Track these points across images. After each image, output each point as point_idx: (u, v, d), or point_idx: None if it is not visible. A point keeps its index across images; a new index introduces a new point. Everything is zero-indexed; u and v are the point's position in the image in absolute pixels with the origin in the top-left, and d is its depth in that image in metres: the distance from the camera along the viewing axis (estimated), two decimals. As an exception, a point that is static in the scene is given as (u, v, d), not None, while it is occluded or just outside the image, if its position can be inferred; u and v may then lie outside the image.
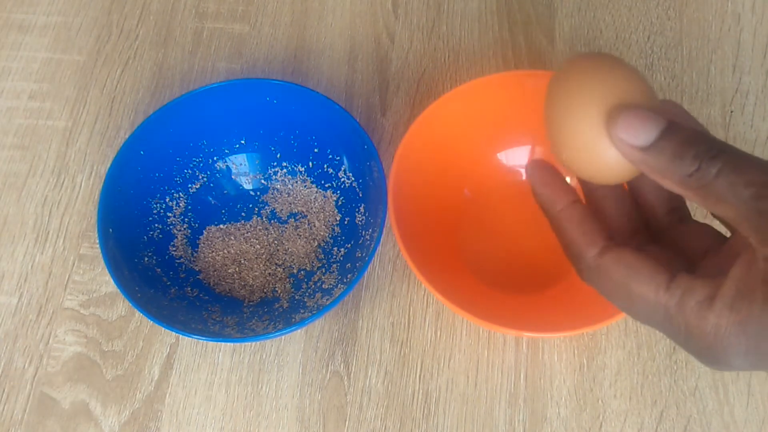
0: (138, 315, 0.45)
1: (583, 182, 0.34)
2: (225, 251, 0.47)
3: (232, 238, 0.47)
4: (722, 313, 0.26)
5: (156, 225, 0.46)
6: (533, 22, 0.53)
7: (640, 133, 0.28)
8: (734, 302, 0.26)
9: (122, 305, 0.46)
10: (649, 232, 0.33)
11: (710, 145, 0.27)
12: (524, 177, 0.48)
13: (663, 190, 0.32)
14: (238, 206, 0.48)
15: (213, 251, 0.47)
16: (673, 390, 0.42)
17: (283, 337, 0.45)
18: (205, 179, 0.48)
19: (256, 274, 0.46)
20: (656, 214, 0.32)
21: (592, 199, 0.33)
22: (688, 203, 0.33)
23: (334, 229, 0.47)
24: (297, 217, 0.48)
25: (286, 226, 0.48)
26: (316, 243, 0.47)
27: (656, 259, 0.29)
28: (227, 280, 0.46)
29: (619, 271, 0.29)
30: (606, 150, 0.30)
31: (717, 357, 0.27)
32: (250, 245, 0.47)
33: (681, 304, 0.27)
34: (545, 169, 0.32)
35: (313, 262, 0.46)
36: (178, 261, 0.46)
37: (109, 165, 0.44)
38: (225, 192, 0.49)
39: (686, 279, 0.27)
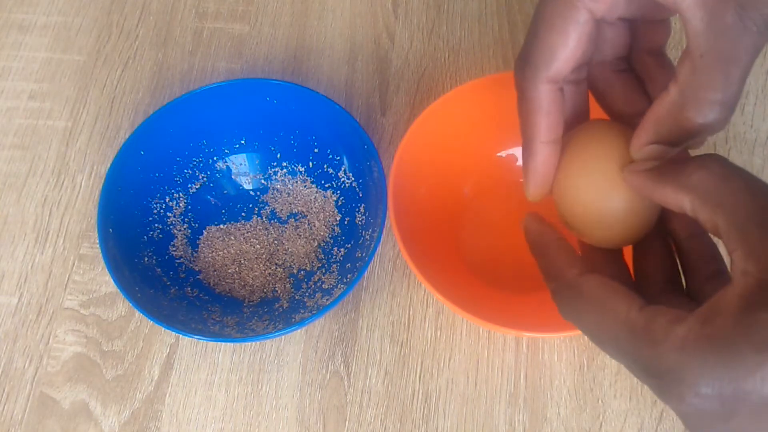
0: (138, 315, 0.45)
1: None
2: (225, 251, 0.47)
3: (232, 238, 0.47)
4: (692, 327, 0.25)
5: (156, 225, 0.46)
6: (533, 22, 0.53)
7: (650, 162, 0.30)
8: (707, 318, 0.25)
9: (122, 305, 0.46)
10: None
11: (717, 155, 0.27)
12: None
13: (666, 260, 0.33)
14: (238, 206, 0.48)
15: (213, 251, 0.47)
16: (673, 390, 0.42)
17: (283, 337, 0.45)
18: (205, 179, 0.48)
19: (256, 274, 0.46)
20: (654, 282, 0.33)
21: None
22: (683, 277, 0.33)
23: (334, 229, 0.47)
24: (297, 217, 0.48)
25: (286, 226, 0.48)
26: (316, 243, 0.47)
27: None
28: (227, 280, 0.46)
29: (597, 290, 0.29)
30: (613, 207, 0.32)
31: (678, 376, 0.25)
32: (250, 245, 0.47)
33: (650, 322, 0.26)
34: (537, 215, 0.34)
35: (313, 262, 0.46)
36: (178, 261, 0.46)
37: (109, 165, 0.44)
38: (225, 192, 0.49)
39: (661, 307, 0.27)
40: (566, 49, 0.31)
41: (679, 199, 0.28)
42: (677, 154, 0.31)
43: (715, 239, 0.32)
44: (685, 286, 0.32)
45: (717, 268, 0.31)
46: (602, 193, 0.32)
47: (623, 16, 0.34)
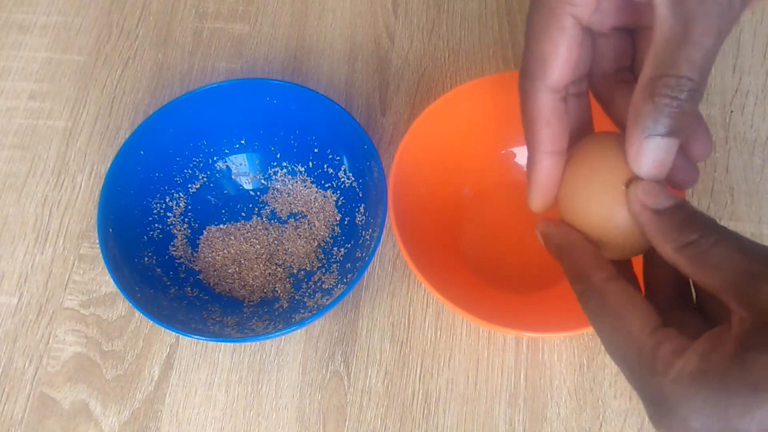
0: (138, 315, 0.46)
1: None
2: (225, 251, 0.47)
3: (232, 238, 0.47)
4: (690, 360, 0.26)
5: (156, 225, 0.46)
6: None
7: (659, 197, 0.30)
8: (704, 353, 0.26)
9: (122, 305, 0.46)
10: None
11: (714, 223, 0.29)
12: (525, 177, 0.48)
13: (675, 273, 0.33)
14: (238, 206, 0.48)
15: (213, 251, 0.47)
16: (673, 390, 0.42)
17: (283, 337, 0.45)
18: (205, 179, 0.48)
19: (256, 274, 0.46)
20: (663, 295, 0.33)
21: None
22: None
23: (334, 229, 0.47)
24: (297, 217, 0.48)
25: (286, 226, 0.48)
26: (316, 243, 0.47)
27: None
28: (227, 280, 0.46)
29: (621, 299, 0.29)
30: (619, 219, 0.32)
31: (672, 406, 0.26)
32: (250, 245, 0.47)
33: (656, 347, 0.27)
34: (551, 220, 0.34)
35: (313, 262, 0.46)
36: (178, 261, 0.46)
37: (109, 165, 0.44)
38: (225, 192, 0.49)
39: (672, 331, 0.28)
40: (558, 57, 0.31)
41: (674, 259, 0.29)
42: (681, 177, 0.32)
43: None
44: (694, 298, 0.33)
45: (682, 290, 0.32)
46: (608, 204, 0.32)
47: (616, 25, 0.34)
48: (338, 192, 0.47)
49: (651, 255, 0.34)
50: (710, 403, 0.25)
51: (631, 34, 0.35)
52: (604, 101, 0.36)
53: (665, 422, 0.26)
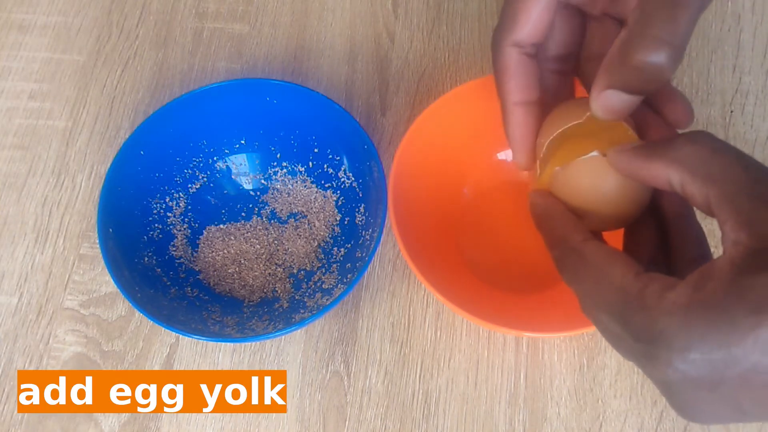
0: (138, 315, 0.46)
1: None
2: (225, 251, 0.47)
3: (232, 238, 0.47)
4: (683, 292, 0.25)
5: (156, 225, 0.46)
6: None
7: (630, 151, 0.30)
8: (698, 283, 0.25)
9: (122, 305, 0.46)
10: None
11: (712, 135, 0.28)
12: (525, 177, 0.48)
13: (653, 241, 0.33)
14: (238, 206, 0.48)
15: (213, 251, 0.47)
16: (673, 390, 0.42)
17: (283, 337, 0.45)
18: (205, 179, 0.48)
19: (256, 274, 0.46)
20: (639, 260, 0.33)
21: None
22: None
23: (334, 229, 0.47)
24: (297, 217, 0.48)
25: (286, 226, 0.48)
26: (316, 243, 0.47)
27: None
28: (227, 280, 0.46)
29: (599, 255, 0.29)
30: (604, 190, 0.32)
31: (668, 340, 0.24)
32: (250, 245, 0.47)
33: (644, 288, 0.26)
34: (543, 191, 0.34)
35: (313, 262, 0.46)
36: (178, 261, 0.46)
37: (109, 165, 0.44)
38: (225, 192, 0.49)
39: (656, 274, 0.27)
40: (529, 15, 0.33)
41: (668, 174, 0.27)
42: (663, 134, 0.32)
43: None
44: (669, 268, 0.32)
45: (701, 252, 0.31)
46: (593, 177, 0.32)
47: (607, 12, 0.35)
48: (338, 192, 0.47)
49: (631, 224, 0.34)
50: (709, 330, 0.24)
51: (621, 23, 0.35)
52: (586, 82, 0.37)
53: (662, 358, 0.25)
